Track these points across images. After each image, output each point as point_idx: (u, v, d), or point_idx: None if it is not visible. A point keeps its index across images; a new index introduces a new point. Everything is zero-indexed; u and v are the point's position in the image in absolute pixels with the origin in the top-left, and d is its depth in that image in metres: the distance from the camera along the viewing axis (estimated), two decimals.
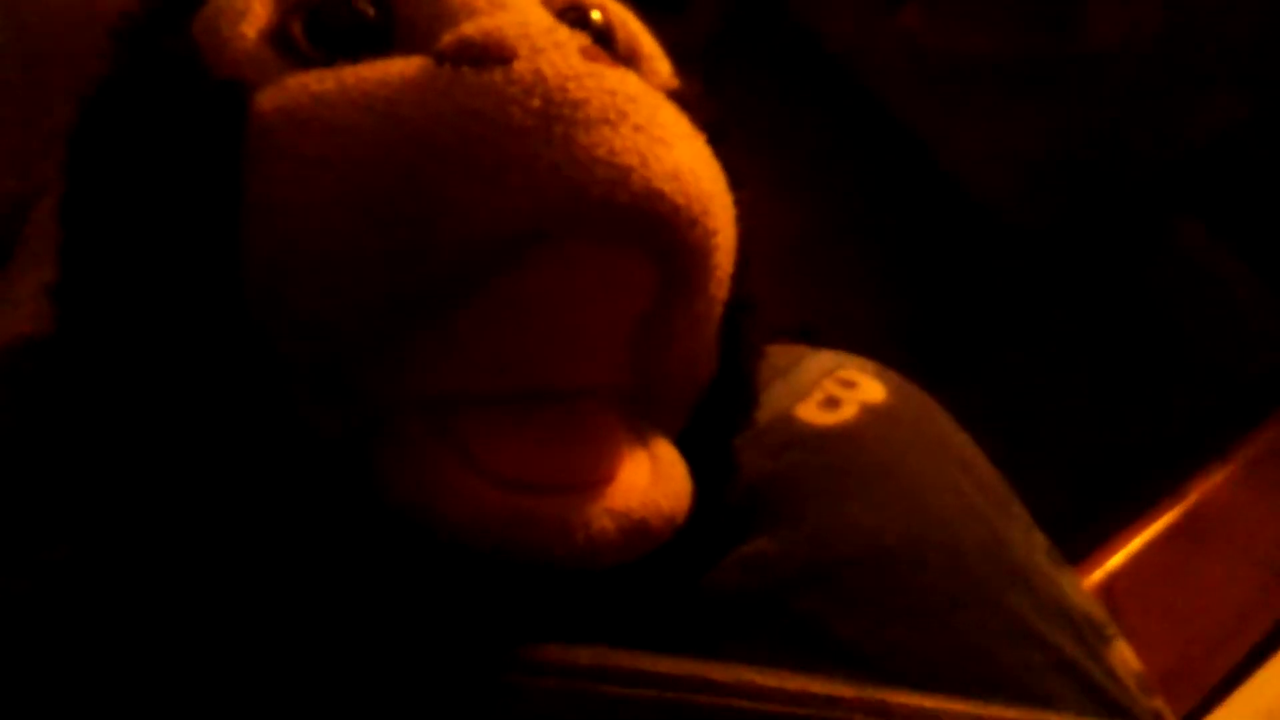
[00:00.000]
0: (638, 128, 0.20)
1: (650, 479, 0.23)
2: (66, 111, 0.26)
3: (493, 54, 0.20)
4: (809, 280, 1.14)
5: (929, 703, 0.20)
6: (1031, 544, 0.27)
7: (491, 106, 0.19)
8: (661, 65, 0.28)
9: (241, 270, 0.21)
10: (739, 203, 0.24)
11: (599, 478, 0.22)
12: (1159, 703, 0.25)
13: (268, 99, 0.21)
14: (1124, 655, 0.25)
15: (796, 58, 1.18)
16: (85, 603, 0.22)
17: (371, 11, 0.23)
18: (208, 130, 0.21)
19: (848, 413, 0.28)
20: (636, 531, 0.21)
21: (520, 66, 0.19)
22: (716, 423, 0.27)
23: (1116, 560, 0.55)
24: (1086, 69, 0.97)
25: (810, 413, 0.29)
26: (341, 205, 0.20)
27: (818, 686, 0.20)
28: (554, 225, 0.19)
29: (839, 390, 0.29)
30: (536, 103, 0.19)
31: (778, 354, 0.31)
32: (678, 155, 0.21)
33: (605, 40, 0.26)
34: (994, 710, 0.20)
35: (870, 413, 0.28)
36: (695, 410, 0.26)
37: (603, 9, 0.26)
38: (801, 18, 1.09)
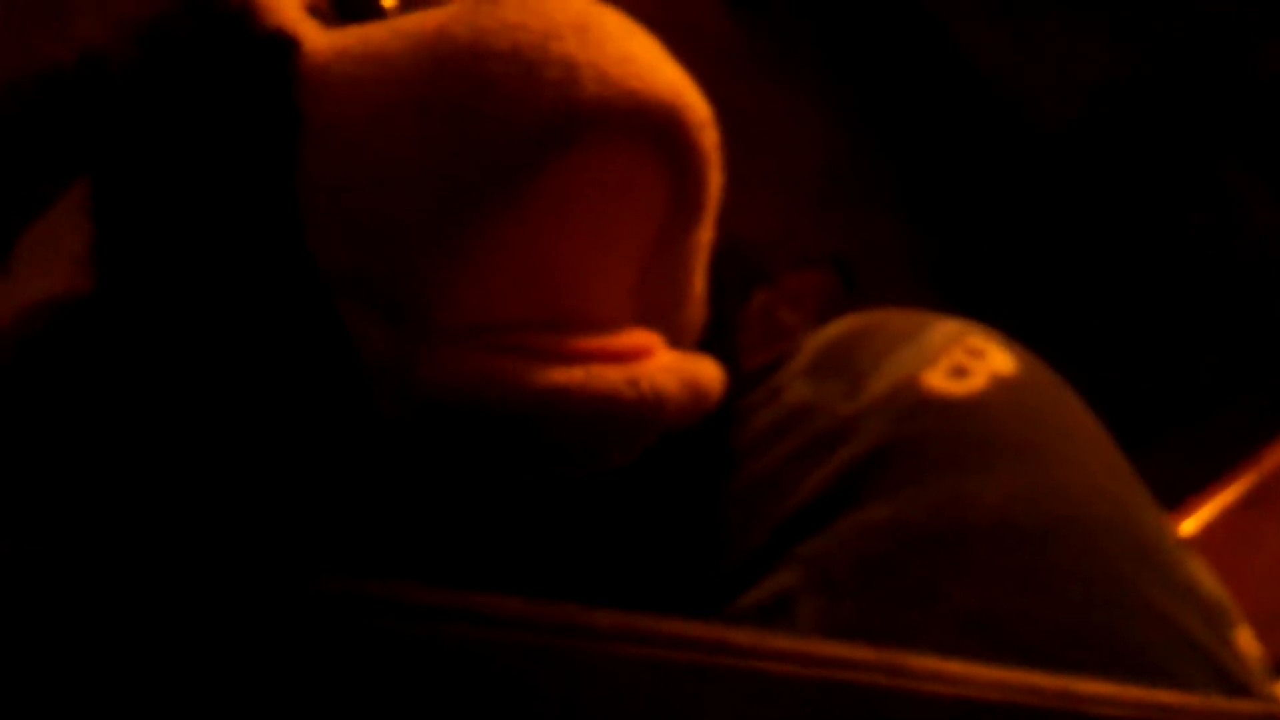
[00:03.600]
0: (648, 44, 0.24)
1: (683, 356, 0.25)
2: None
3: None
4: (845, 205, 1.13)
5: (951, 667, 0.20)
6: (1160, 526, 0.27)
7: (533, 19, 0.22)
8: None
9: (298, 186, 0.23)
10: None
11: (645, 346, 0.24)
12: (1278, 689, 0.26)
13: (317, 40, 0.24)
14: (1248, 640, 0.26)
15: None
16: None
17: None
18: (264, 67, 0.24)
19: (977, 383, 0.28)
20: (691, 385, 0.24)
21: None
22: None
23: (1185, 528, 0.55)
24: None
25: (938, 381, 0.29)
26: (402, 112, 0.22)
27: (837, 649, 0.20)
28: (589, 114, 0.22)
29: (967, 359, 0.29)
30: (569, 17, 0.22)
31: (900, 319, 0.31)
32: (680, 72, 0.24)
33: None
34: (1021, 676, 0.20)
35: (1000, 385, 0.28)
36: None
37: None
38: None
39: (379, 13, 0.26)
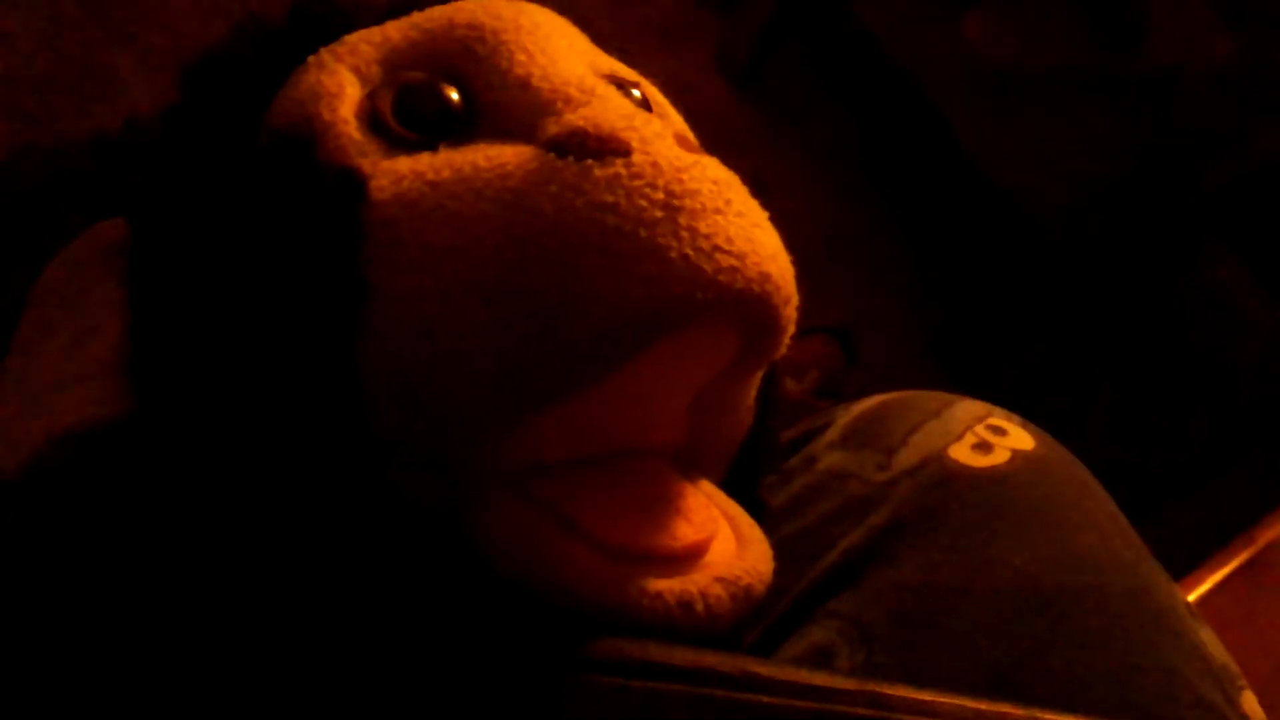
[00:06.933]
0: (740, 214, 0.22)
1: (738, 543, 0.24)
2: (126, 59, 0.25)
3: (609, 147, 0.21)
4: (846, 278, 1.16)
5: (924, 695, 0.20)
6: (1172, 593, 0.29)
7: (623, 200, 0.20)
8: (678, 120, 0.29)
9: (358, 355, 0.21)
10: None
11: (699, 545, 0.23)
12: None
13: (383, 188, 0.22)
14: (1253, 705, 0.28)
15: (849, 57, 1.19)
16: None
17: (457, 99, 0.24)
18: (329, 220, 0.22)
19: (1000, 457, 0.30)
20: (744, 598, 0.23)
21: (638, 160, 0.21)
22: (748, 472, 0.29)
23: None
24: (1145, 89, 0.99)
25: (963, 454, 0.31)
26: (478, 293, 0.20)
27: (819, 679, 0.20)
28: (683, 310, 0.20)
29: (990, 436, 0.31)
30: (660, 195, 0.21)
31: (926, 398, 0.34)
32: (769, 237, 0.23)
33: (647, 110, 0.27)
34: (988, 705, 0.21)
35: (1021, 459, 0.30)
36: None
37: (636, 84, 0.28)
38: (859, 19, 1.10)
39: (445, 116, 0.24)
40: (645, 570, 0.22)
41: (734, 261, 0.21)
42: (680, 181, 0.21)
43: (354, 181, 0.22)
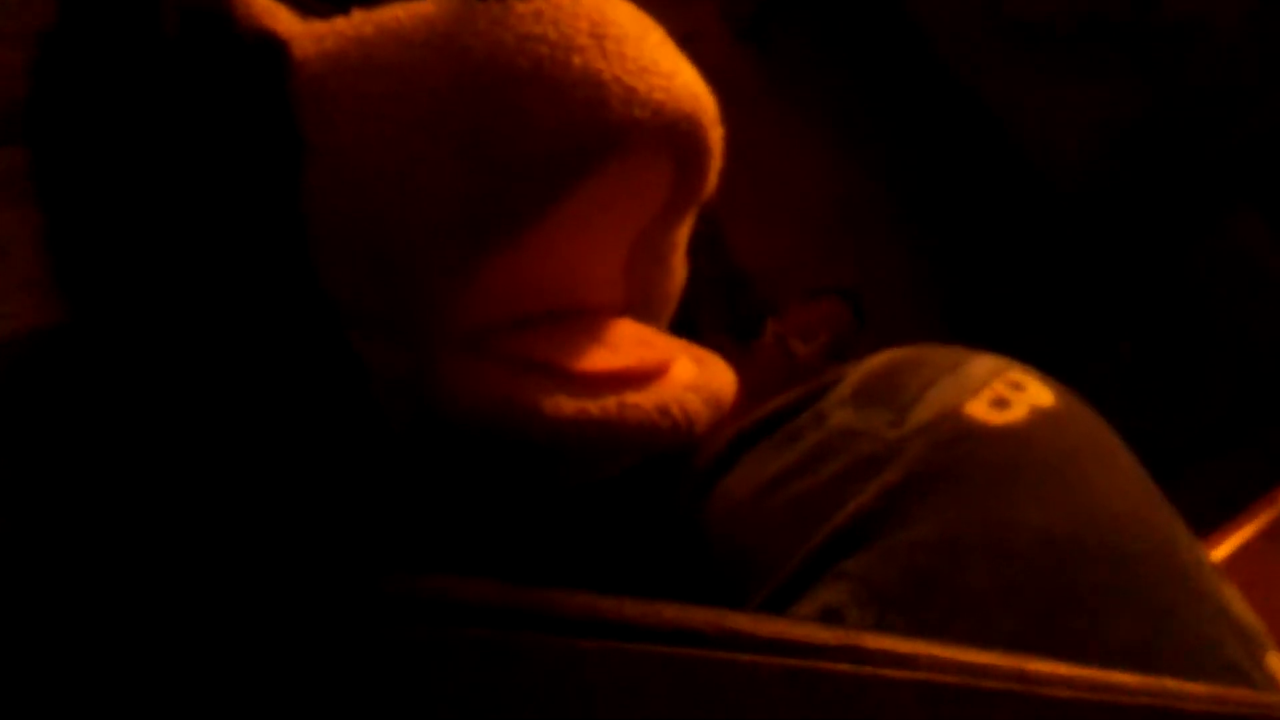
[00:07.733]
0: (661, 43, 0.23)
1: (698, 361, 0.25)
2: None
3: None
4: (855, 238, 1.14)
5: (905, 648, 0.20)
6: (1195, 552, 0.28)
7: (551, 30, 0.21)
8: None
9: (304, 219, 0.21)
10: None
11: (662, 364, 0.24)
12: None
13: (305, 48, 0.22)
14: (1278, 666, 0.27)
15: (862, 13, 1.16)
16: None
17: None
18: (258, 87, 0.21)
19: (1018, 414, 0.30)
20: (715, 402, 0.24)
21: None
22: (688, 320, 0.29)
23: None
24: (1166, 42, 0.96)
25: (981, 411, 0.30)
26: (420, 134, 0.20)
27: (798, 633, 0.20)
28: (619, 134, 0.21)
29: (1008, 392, 0.30)
30: (585, 24, 0.21)
31: (942, 353, 0.33)
32: (689, 66, 0.23)
33: None
34: (971, 654, 0.20)
35: (1040, 415, 0.30)
36: None
37: None
38: None
39: None
40: (618, 390, 0.23)
41: (664, 81, 0.22)
42: (601, 11, 0.21)
43: (275, 45, 0.22)
